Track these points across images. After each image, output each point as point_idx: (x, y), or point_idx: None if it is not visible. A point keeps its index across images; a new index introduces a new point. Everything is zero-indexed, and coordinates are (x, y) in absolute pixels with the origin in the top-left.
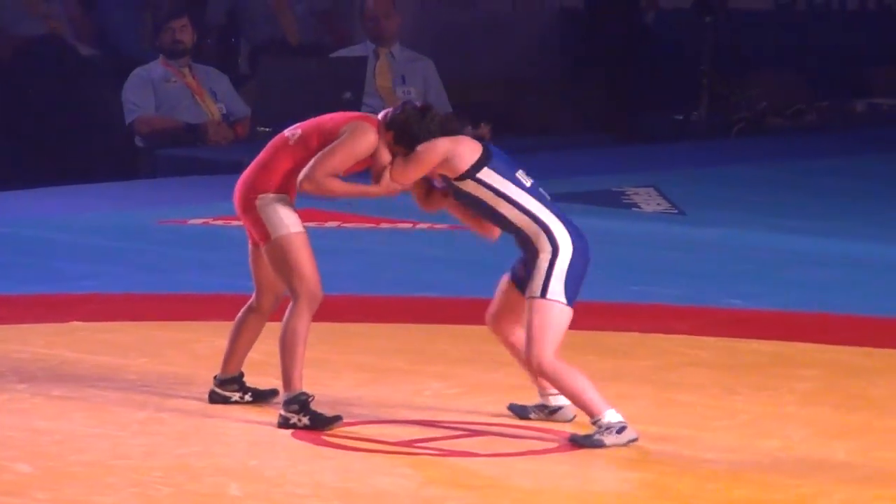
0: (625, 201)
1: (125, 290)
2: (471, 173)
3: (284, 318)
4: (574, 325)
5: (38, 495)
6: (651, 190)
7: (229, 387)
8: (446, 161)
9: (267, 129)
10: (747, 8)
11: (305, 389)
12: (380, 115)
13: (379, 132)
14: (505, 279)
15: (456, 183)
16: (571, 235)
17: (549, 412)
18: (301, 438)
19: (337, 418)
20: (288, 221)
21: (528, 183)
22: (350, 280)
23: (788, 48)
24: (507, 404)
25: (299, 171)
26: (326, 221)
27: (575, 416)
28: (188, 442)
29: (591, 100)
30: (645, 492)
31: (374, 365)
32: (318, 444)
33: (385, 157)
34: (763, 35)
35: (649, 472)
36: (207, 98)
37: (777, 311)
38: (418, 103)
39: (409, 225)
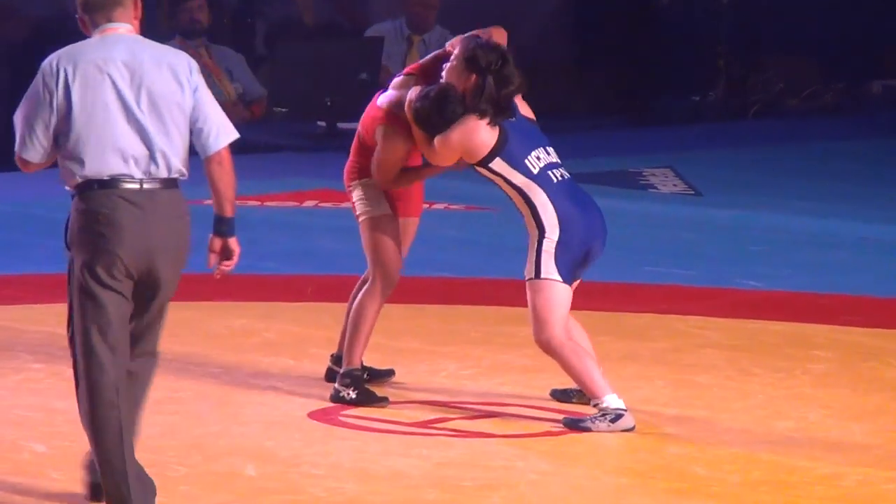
0: (641, 182)
1: None
2: (484, 163)
3: (359, 296)
4: (589, 306)
5: (54, 475)
6: (667, 171)
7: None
8: (464, 151)
9: (283, 110)
10: None
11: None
12: (398, 86)
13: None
14: None
15: (474, 165)
16: (562, 222)
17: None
18: (317, 419)
19: (384, 399)
20: (373, 204)
21: (535, 170)
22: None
23: (804, 30)
24: (550, 390)
25: (366, 161)
26: (342, 202)
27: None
28: (204, 422)
29: (608, 82)
30: (661, 473)
31: (389, 346)
32: (333, 424)
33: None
34: (779, 17)
35: (666, 454)
36: (224, 78)
37: (792, 292)
38: (435, 89)
39: (426, 205)
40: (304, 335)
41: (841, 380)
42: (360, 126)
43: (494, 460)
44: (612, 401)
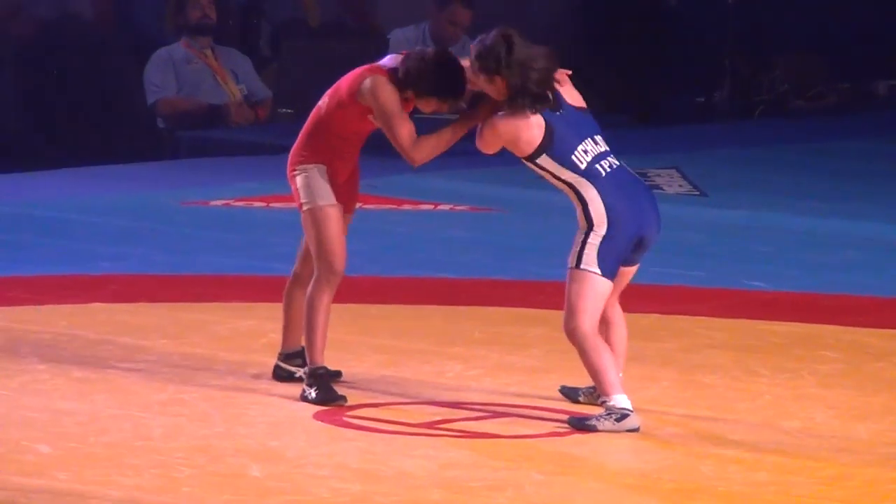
0: (647, 183)
1: (146, 272)
2: (531, 158)
3: (308, 293)
4: None
5: (60, 476)
6: (673, 172)
7: (293, 362)
8: (509, 144)
9: (288, 111)
10: None
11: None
12: (387, 62)
13: (393, 83)
14: None
15: (521, 159)
16: (610, 217)
17: (598, 396)
18: (322, 420)
19: (342, 398)
20: (317, 193)
21: (583, 165)
22: (371, 261)
23: (810, 30)
24: (559, 387)
25: (336, 139)
26: None
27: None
28: (209, 423)
29: (613, 82)
30: (667, 473)
31: (395, 346)
32: (339, 425)
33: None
34: (785, 17)
35: (672, 454)
36: (229, 79)
37: (798, 292)
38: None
39: (431, 206)
40: None
41: (847, 380)
42: (327, 97)
43: (500, 461)
44: (620, 400)
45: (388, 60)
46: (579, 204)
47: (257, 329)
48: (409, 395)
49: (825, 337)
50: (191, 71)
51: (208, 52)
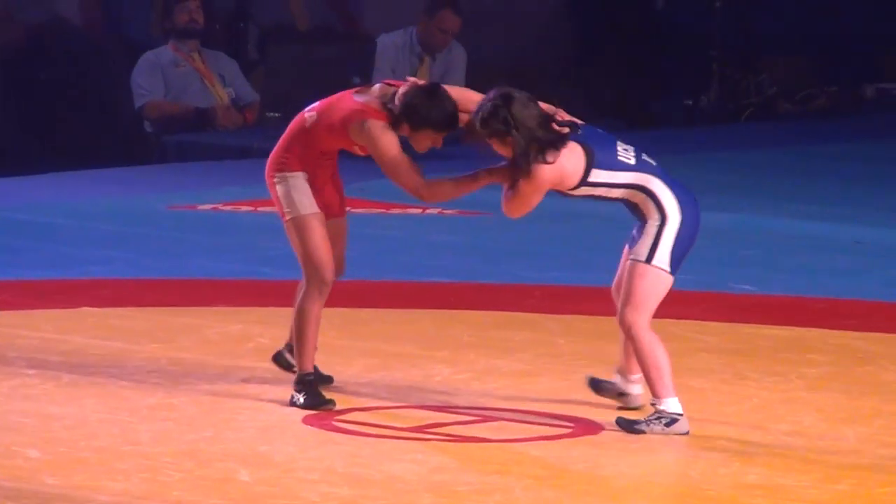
0: None
1: (135, 276)
2: (581, 182)
3: (297, 300)
4: (582, 310)
5: (49, 481)
6: None
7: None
8: (555, 186)
9: (276, 115)
10: None
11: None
12: (374, 100)
13: (391, 123)
14: (626, 250)
15: (569, 192)
16: (681, 205)
17: (618, 393)
18: (311, 424)
19: (330, 402)
20: (299, 202)
21: (632, 160)
22: (359, 265)
23: (798, 33)
24: (587, 376)
25: (315, 151)
26: None
27: (641, 406)
28: (198, 427)
29: (600, 85)
30: (656, 477)
31: (383, 350)
32: (328, 429)
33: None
34: (773, 19)
35: (661, 457)
36: (216, 83)
37: (787, 296)
38: (419, 84)
39: (419, 210)
40: None
41: (835, 384)
42: (315, 112)
43: (489, 465)
44: (670, 404)
45: (374, 96)
46: (647, 198)
47: (246, 333)
48: (398, 398)
49: (813, 340)
50: (178, 74)
51: (196, 55)
